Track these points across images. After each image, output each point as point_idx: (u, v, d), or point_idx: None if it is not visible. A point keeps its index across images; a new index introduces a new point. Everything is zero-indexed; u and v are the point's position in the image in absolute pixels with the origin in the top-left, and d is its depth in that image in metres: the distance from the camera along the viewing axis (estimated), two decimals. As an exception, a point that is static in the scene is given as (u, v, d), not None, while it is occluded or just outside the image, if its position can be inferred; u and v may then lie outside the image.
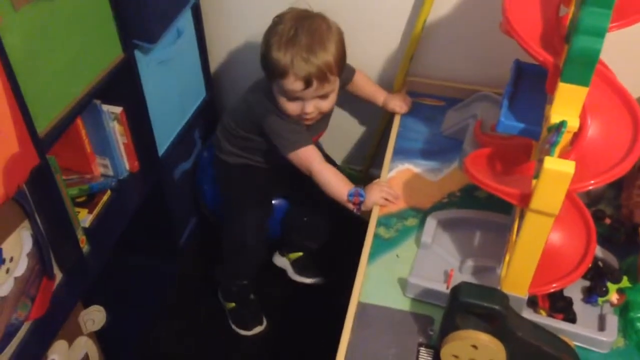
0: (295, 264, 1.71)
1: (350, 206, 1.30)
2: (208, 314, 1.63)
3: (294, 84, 1.26)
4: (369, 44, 1.55)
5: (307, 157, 1.34)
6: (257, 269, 1.56)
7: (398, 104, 1.49)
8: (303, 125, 1.37)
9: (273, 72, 1.28)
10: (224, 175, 1.58)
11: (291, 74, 1.25)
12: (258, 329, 1.60)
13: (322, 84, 1.27)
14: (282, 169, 1.42)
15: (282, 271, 1.73)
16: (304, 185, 1.39)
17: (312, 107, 1.32)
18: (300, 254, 1.70)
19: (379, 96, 1.53)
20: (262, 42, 1.31)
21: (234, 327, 1.61)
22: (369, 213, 1.25)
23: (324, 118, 1.45)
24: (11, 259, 1.03)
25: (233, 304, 1.61)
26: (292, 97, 1.30)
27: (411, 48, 1.48)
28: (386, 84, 1.60)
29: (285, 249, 1.72)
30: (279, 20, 1.30)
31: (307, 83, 1.26)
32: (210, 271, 1.68)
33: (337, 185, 1.32)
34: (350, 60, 1.55)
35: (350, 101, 1.60)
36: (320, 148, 1.45)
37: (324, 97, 1.32)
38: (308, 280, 1.71)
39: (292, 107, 1.32)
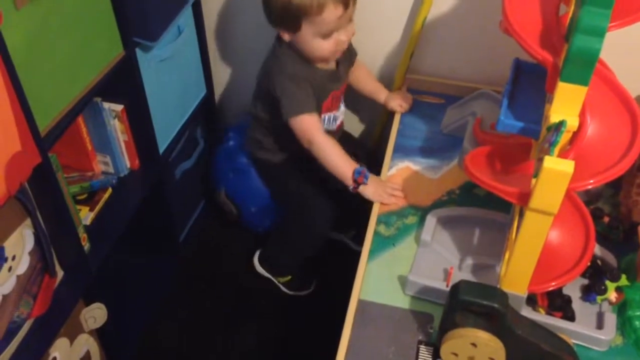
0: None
1: (350, 182, 1.29)
2: (209, 311, 1.63)
3: (335, 11, 1.23)
4: (369, 42, 1.55)
5: (311, 125, 1.32)
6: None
7: (398, 104, 1.50)
8: (312, 90, 1.34)
9: (303, 14, 1.23)
10: (272, 179, 1.57)
11: (330, 3, 1.22)
12: (312, 286, 1.69)
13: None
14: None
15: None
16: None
17: (345, 34, 1.29)
18: None
19: (381, 94, 1.54)
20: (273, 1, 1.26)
21: (291, 292, 1.68)
22: (368, 205, 1.26)
23: (349, 57, 1.45)
24: (13, 257, 1.04)
25: (289, 277, 1.67)
26: (328, 33, 1.26)
27: (411, 46, 1.48)
28: (386, 81, 1.60)
29: None
30: None
31: (346, 4, 1.24)
32: (211, 268, 1.70)
33: (342, 159, 1.31)
34: (350, 57, 1.54)
35: (351, 98, 1.60)
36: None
37: (351, 19, 1.30)
38: (343, 236, 1.76)
39: (327, 45, 1.29)
